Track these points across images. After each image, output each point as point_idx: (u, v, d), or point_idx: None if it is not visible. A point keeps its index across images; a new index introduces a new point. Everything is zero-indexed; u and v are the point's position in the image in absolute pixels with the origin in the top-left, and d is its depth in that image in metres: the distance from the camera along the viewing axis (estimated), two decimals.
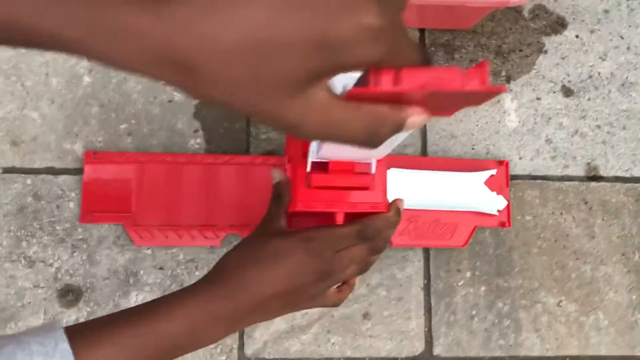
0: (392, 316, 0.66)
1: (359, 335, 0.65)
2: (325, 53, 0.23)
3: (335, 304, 0.49)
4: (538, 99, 0.71)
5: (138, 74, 0.23)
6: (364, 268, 0.47)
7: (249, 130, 0.66)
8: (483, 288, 0.67)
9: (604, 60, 0.72)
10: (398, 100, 0.26)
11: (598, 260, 0.69)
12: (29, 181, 0.62)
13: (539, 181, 0.70)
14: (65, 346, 0.36)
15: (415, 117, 0.27)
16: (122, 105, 0.65)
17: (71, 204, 0.63)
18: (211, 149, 0.66)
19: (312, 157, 0.44)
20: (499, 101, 0.70)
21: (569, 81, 0.71)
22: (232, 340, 0.63)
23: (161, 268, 0.63)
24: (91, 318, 0.48)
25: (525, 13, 0.72)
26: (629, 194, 0.70)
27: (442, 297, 0.67)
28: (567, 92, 0.71)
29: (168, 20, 0.21)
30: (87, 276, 0.62)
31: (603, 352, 0.68)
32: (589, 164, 0.71)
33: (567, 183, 0.70)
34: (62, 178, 0.63)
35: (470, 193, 0.66)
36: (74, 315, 0.61)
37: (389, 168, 0.63)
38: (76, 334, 0.38)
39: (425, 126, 0.69)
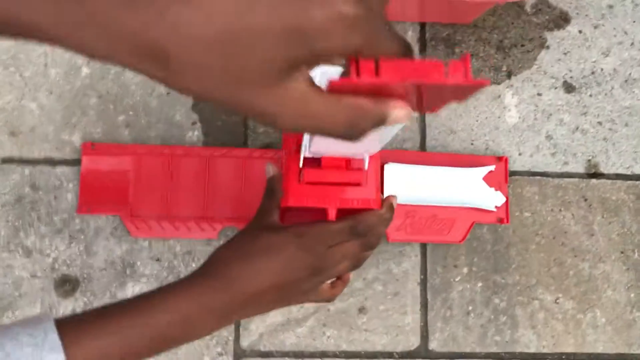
0: (388, 311, 0.66)
1: (354, 329, 0.65)
2: (300, 41, 0.22)
3: (329, 299, 0.49)
4: (539, 94, 0.70)
5: (114, 62, 0.23)
6: (356, 264, 0.47)
7: (247, 123, 0.66)
8: (480, 284, 0.67)
9: (607, 56, 0.71)
10: (380, 93, 0.26)
11: (597, 258, 0.69)
12: (27, 171, 0.63)
13: (539, 178, 0.69)
14: (54, 337, 0.36)
15: (398, 111, 0.27)
16: (120, 96, 0.65)
17: (69, 195, 0.63)
18: (209, 141, 0.65)
19: (304, 153, 0.43)
20: (499, 96, 0.69)
21: (570, 77, 0.71)
22: (227, 332, 0.63)
23: (158, 260, 0.63)
24: (88, 309, 0.48)
25: (528, 8, 0.71)
26: (629, 191, 0.70)
27: (438, 292, 0.67)
28: (569, 88, 0.71)
29: (143, 9, 0.21)
30: (84, 267, 0.62)
31: (600, 349, 0.68)
32: (589, 160, 0.70)
33: (567, 180, 0.69)
34: (60, 169, 0.63)
35: (468, 189, 0.65)
36: (70, 306, 0.62)
37: (386, 163, 0.63)
38: (66, 325, 0.38)
39: (424, 121, 0.69)
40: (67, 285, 0.62)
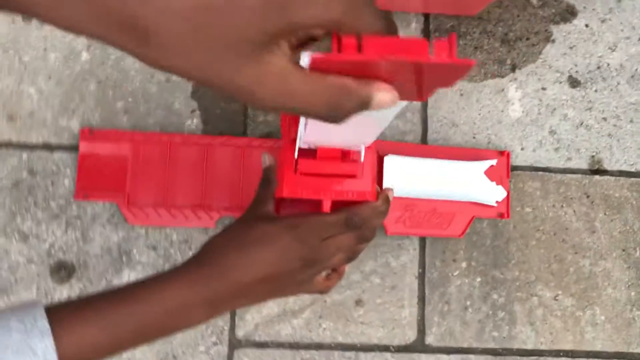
0: (385, 304, 0.65)
1: (350, 322, 0.65)
2: (277, 12, 0.22)
3: (323, 291, 0.48)
4: (543, 89, 0.69)
5: (91, 37, 0.22)
6: (351, 256, 0.46)
7: (247, 112, 0.66)
8: (478, 279, 0.66)
9: (613, 50, 0.70)
10: (365, 75, 0.25)
11: (598, 255, 0.68)
12: (24, 156, 0.62)
13: (541, 173, 0.68)
14: (44, 323, 0.36)
15: (383, 94, 0.26)
16: (119, 82, 0.64)
17: (66, 181, 0.63)
18: (208, 129, 0.65)
19: (299, 143, 0.43)
20: (502, 90, 0.69)
21: (576, 72, 0.70)
22: (223, 322, 0.63)
23: (154, 248, 0.63)
24: (79, 296, 0.48)
25: (534, 0, 0.70)
26: (632, 188, 0.69)
27: (436, 286, 0.66)
28: (574, 82, 0.70)
29: None
30: (80, 253, 0.62)
31: (598, 347, 0.67)
32: (593, 157, 0.69)
33: (570, 176, 0.69)
34: (57, 154, 0.63)
35: (469, 182, 0.65)
36: (66, 292, 0.62)
37: (386, 155, 0.63)
38: (56, 312, 0.38)
39: (426, 113, 0.68)
40: (62, 271, 0.62)
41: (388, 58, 0.24)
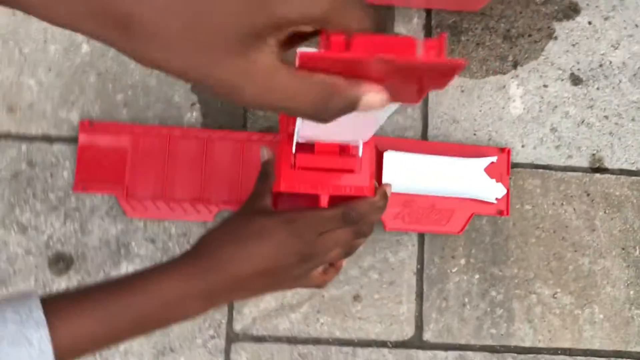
0: (382, 299, 0.65)
1: (348, 317, 0.65)
2: (260, 6, 0.22)
3: (320, 285, 0.48)
4: (545, 86, 0.69)
5: (78, 30, 0.22)
6: (348, 252, 0.46)
7: None
8: (477, 276, 0.66)
9: (616, 48, 0.70)
10: (355, 75, 0.25)
11: (597, 254, 0.68)
12: (24, 148, 0.62)
13: (541, 170, 0.68)
14: (39, 314, 0.36)
15: (372, 95, 0.26)
16: (119, 75, 0.64)
17: (65, 173, 0.63)
18: (207, 123, 0.65)
19: (296, 138, 0.43)
20: (504, 87, 0.68)
21: (578, 69, 0.69)
22: (220, 315, 0.63)
23: (153, 241, 0.63)
24: (75, 287, 0.48)
25: None
26: (633, 187, 0.69)
27: (434, 282, 0.66)
28: (576, 80, 0.69)
29: None
30: (79, 245, 0.62)
31: (597, 346, 0.67)
32: (594, 155, 0.69)
33: (570, 174, 0.68)
34: (57, 146, 0.63)
35: (468, 179, 0.64)
36: (64, 284, 0.62)
37: (386, 150, 0.63)
38: (52, 303, 0.38)
39: (426, 109, 0.68)
40: (61, 263, 0.62)
41: (375, 56, 0.24)
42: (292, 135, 0.43)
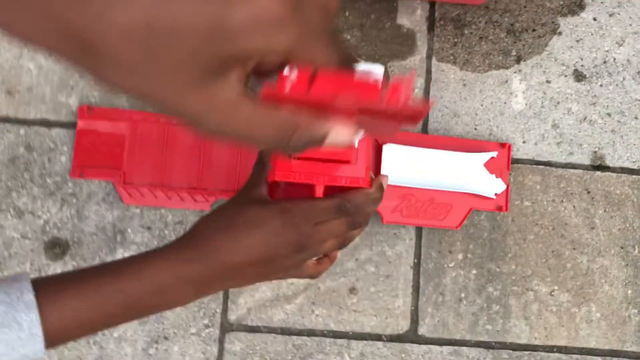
0: (378, 293, 0.65)
1: (343, 309, 0.64)
2: (222, 40, 0.21)
3: (313, 276, 0.48)
4: (548, 81, 0.68)
5: (41, 47, 0.21)
6: (342, 243, 0.46)
7: None
8: (474, 271, 0.66)
9: (621, 45, 0.69)
10: (319, 109, 0.25)
11: (596, 252, 0.67)
12: (22, 132, 0.62)
13: (542, 167, 0.68)
14: (29, 297, 0.36)
15: (336, 132, 0.26)
16: None
17: (63, 158, 0.62)
18: None
19: None
20: (506, 81, 0.68)
21: (581, 65, 0.69)
22: (215, 305, 0.63)
23: (149, 228, 0.63)
24: (72, 270, 0.48)
25: None
26: (634, 186, 0.68)
27: (431, 277, 0.66)
28: (579, 76, 0.69)
29: None
30: (75, 231, 0.62)
31: (592, 344, 0.67)
32: (595, 152, 0.68)
33: (571, 171, 0.68)
34: (55, 131, 0.62)
35: (468, 174, 0.64)
36: (59, 269, 0.62)
37: (385, 143, 0.62)
38: (43, 286, 0.37)
39: (427, 102, 0.67)
40: (57, 248, 0.62)
41: (337, 99, 0.23)
42: None
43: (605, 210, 0.68)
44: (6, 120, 0.62)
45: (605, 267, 0.67)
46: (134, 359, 0.61)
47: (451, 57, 0.67)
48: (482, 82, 0.68)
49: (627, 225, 0.68)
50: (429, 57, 0.67)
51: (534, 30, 0.69)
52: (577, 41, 0.69)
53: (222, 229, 0.43)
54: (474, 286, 0.66)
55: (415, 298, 0.65)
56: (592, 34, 0.69)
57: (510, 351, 0.66)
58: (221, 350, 0.63)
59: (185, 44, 0.21)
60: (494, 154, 0.65)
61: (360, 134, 0.29)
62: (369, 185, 0.45)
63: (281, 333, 0.64)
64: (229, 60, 0.22)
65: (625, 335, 0.67)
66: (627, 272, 0.67)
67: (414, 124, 0.26)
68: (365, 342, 0.64)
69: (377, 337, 0.65)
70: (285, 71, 0.24)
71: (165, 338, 0.62)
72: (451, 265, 0.66)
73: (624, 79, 0.69)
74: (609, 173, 0.68)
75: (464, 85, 0.67)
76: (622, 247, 0.68)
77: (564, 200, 0.67)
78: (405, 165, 0.62)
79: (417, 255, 0.66)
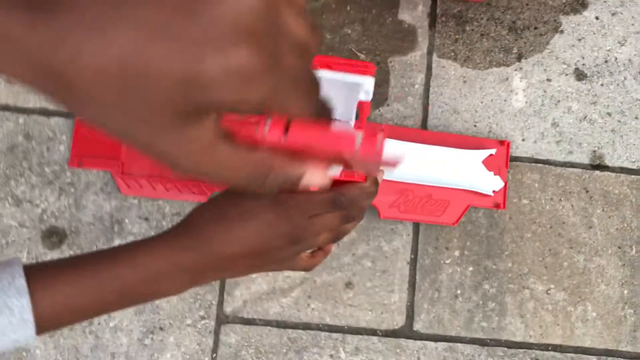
0: (375, 287, 0.65)
1: (339, 304, 0.65)
2: (195, 90, 0.21)
3: (307, 269, 0.48)
4: (548, 80, 0.68)
5: (17, 79, 0.22)
6: (337, 236, 0.46)
7: None
8: (470, 268, 0.66)
9: (622, 45, 0.69)
10: (297, 154, 0.25)
11: (593, 251, 0.67)
12: (21, 120, 0.62)
13: (541, 165, 0.67)
14: (21, 282, 0.36)
15: (312, 174, 0.26)
16: None
17: (61, 147, 0.62)
18: None
19: None
20: (507, 79, 0.68)
21: (583, 64, 0.69)
22: (211, 296, 0.63)
23: (146, 219, 0.63)
24: (66, 256, 0.48)
25: None
26: (633, 186, 0.68)
27: (427, 273, 0.66)
28: (580, 75, 0.68)
29: (42, 31, 0.20)
30: (73, 220, 0.62)
31: (587, 343, 0.66)
32: (594, 152, 0.68)
33: (570, 170, 0.68)
34: (54, 120, 0.63)
35: (466, 171, 0.64)
36: (56, 257, 0.62)
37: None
38: (36, 271, 0.37)
39: (427, 99, 0.67)
40: (54, 237, 0.62)
41: (310, 149, 0.23)
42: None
43: (603, 210, 0.68)
44: (5, 108, 0.62)
45: (602, 266, 0.67)
46: (130, 349, 0.62)
47: (452, 54, 0.67)
48: (483, 79, 0.67)
49: (625, 225, 0.68)
50: (429, 53, 0.67)
51: (535, 28, 0.68)
52: (579, 40, 0.69)
53: (216, 220, 0.43)
54: (470, 283, 0.66)
55: (411, 294, 0.65)
56: (594, 33, 0.69)
57: (505, 349, 0.65)
58: (216, 341, 0.63)
59: (158, 90, 0.21)
60: (493, 151, 0.65)
61: (338, 169, 0.29)
62: (364, 179, 0.45)
63: (277, 326, 0.64)
64: (202, 109, 0.22)
65: (621, 335, 0.67)
66: (624, 272, 0.67)
67: (394, 168, 0.27)
68: (360, 336, 0.64)
69: (373, 332, 0.65)
70: (260, 119, 0.24)
71: (161, 329, 0.62)
72: (448, 261, 0.66)
73: (625, 78, 0.69)
74: (608, 173, 0.68)
75: (465, 82, 0.67)
76: (619, 247, 0.67)
77: (562, 199, 0.67)
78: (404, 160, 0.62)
79: (414, 251, 0.66)
